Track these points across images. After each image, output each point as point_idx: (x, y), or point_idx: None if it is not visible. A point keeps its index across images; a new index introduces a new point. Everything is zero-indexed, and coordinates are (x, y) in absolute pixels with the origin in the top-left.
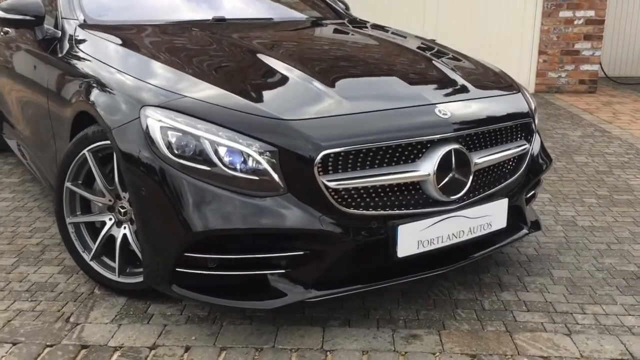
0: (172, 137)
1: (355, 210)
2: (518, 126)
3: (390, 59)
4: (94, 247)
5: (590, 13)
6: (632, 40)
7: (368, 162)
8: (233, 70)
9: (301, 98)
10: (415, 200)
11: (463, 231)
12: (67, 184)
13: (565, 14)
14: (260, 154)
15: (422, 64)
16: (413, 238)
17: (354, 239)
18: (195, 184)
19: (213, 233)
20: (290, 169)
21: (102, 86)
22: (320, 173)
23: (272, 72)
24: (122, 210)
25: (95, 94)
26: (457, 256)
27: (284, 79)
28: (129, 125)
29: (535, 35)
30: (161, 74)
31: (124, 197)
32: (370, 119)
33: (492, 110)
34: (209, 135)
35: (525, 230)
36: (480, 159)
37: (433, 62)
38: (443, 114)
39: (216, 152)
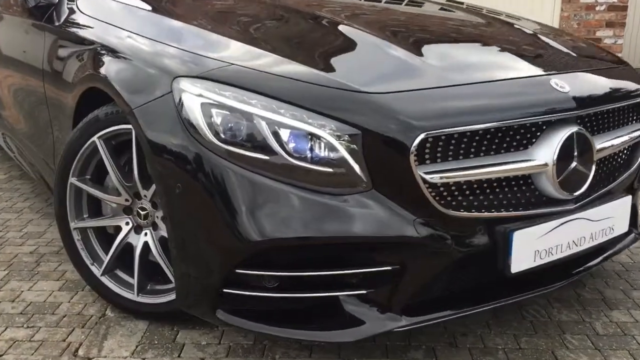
0: (217, 117)
1: (458, 212)
2: (635, 105)
3: (480, 29)
4: (107, 258)
5: None
6: None
7: (472, 149)
8: (294, 35)
9: (385, 67)
10: (526, 199)
11: (584, 237)
12: (72, 180)
13: None
14: (337, 137)
15: (517, 33)
16: (529, 248)
17: (457, 250)
18: (249, 179)
19: (275, 243)
20: (376, 158)
21: (117, 54)
22: (417, 163)
23: (344, 37)
24: (143, 213)
25: (108, 65)
26: (568, 267)
27: (360, 45)
28: (157, 103)
29: (554, 22)
30: (198, 37)
31: (145, 196)
32: (474, 92)
33: (611, 86)
34: (266, 114)
35: (635, 234)
36: (603, 144)
37: (526, 31)
38: (561, 88)
39: (276, 136)
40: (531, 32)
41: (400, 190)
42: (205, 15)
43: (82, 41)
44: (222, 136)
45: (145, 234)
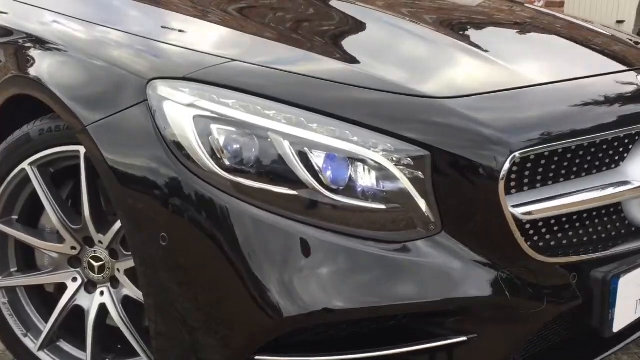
0: (219, 136)
1: (552, 258)
2: None
3: (538, 21)
4: (46, 327)
5: None
6: None
7: (563, 172)
8: (315, 22)
9: (444, 64)
10: (616, 232)
11: None
12: None
13: None
14: (396, 161)
15: (579, 28)
16: (633, 297)
17: (550, 309)
18: (266, 223)
19: (313, 321)
20: (449, 189)
21: (56, 48)
22: (505, 192)
23: (384, 27)
24: (97, 265)
25: (43, 63)
26: None
27: (406, 37)
28: (124, 117)
29: None
30: (177, 22)
31: (101, 243)
32: (561, 94)
33: None
34: (291, 129)
35: None
36: None
37: (589, 26)
38: None
39: (306, 161)
40: (587, 25)
41: (481, 231)
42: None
43: None
44: (227, 163)
45: (102, 293)
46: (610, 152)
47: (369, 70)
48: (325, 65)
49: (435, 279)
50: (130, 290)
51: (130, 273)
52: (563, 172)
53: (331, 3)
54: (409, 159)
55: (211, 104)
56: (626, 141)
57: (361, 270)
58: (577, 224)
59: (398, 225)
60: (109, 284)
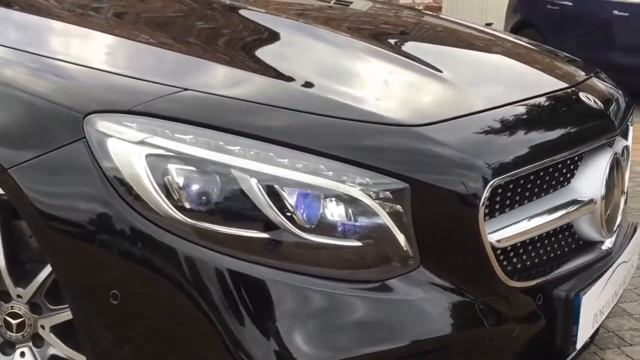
0: (178, 177)
1: (522, 282)
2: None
3: (469, 36)
4: None
5: None
6: None
7: (526, 195)
8: (258, 43)
9: (405, 88)
10: (569, 248)
11: (622, 284)
12: None
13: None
14: (374, 195)
15: (501, 40)
16: (591, 312)
17: (523, 332)
18: (234, 271)
19: None
20: (427, 221)
21: None
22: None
23: (336, 47)
24: (15, 322)
25: None
26: None
27: (357, 57)
28: (56, 158)
29: None
30: (107, 47)
31: (20, 297)
32: (521, 114)
33: (622, 99)
34: (259, 166)
35: None
36: (627, 169)
37: (508, 37)
38: (595, 103)
39: (276, 199)
40: (512, 38)
41: (458, 260)
42: (105, 12)
43: None
44: (187, 206)
45: (22, 354)
46: (564, 171)
47: (333, 96)
48: (286, 92)
49: (416, 319)
50: (59, 349)
51: (57, 330)
52: (527, 194)
53: (261, 20)
54: (387, 192)
55: (166, 140)
56: (575, 158)
57: (338, 316)
58: (538, 245)
59: (376, 262)
60: (30, 343)
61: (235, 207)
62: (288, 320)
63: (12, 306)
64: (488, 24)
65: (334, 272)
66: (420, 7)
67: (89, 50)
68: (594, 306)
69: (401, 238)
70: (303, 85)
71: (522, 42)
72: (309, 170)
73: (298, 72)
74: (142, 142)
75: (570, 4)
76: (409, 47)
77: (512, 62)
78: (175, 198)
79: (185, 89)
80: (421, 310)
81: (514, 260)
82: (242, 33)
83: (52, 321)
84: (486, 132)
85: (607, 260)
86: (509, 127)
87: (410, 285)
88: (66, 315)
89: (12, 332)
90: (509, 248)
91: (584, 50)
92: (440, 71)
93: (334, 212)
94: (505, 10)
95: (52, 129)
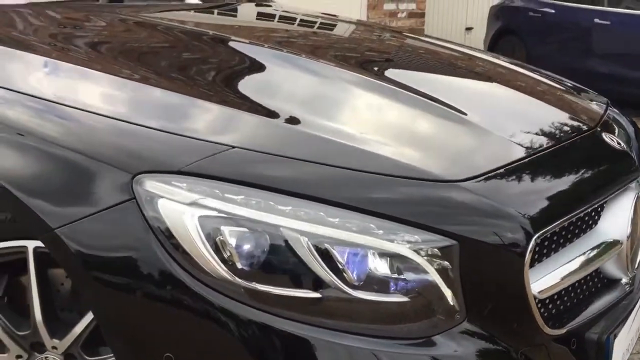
0: (230, 238)
1: (559, 330)
2: None
3: (481, 71)
4: None
5: (412, 6)
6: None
7: (561, 240)
8: (302, 95)
9: (438, 137)
10: (596, 288)
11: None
12: None
13: (389, 6)
14: (424, 253)
15: (517, 73)
16: (621, 350)
17: None
18: (287, 332)
19: None
20: (474, 275)
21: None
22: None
23: (355, 90)
24: None
25: None
26: None
27: (387, 104)
28: (105, 218)
29: None
30: (146, 96)
31: (55, 349)
32: (553, 162)
33: (633, 132)
34: (309, 227)
35: None
36: None
37: (526, 71)
38: (617, 144)
39: (327, 259)
40: (518, 68)
41: (501, 312)
42: (147, 65)
43: None
44: (239, 266)
45: None
46: (592, 214)
47: (377, 151)
48: (332, 149)
49: None
50: None
51: None
52: (560, 241)
53: (297, 68)
54: (436, 250)
55: (217, 201)
56: (603, 201)
57: None
58: (569, 289)
59: (424, 317)
60: None
61: (286, 266)
62: None
63: (46, 357)
64: (468, 29)
65: (381, 329)
66: (404, 14)
67: (136, 108)
68: (623, 345)
69: (448, 293)
70: (350, 141)
71: (529, 71)
72: (359, 229)
73: (343, 127)
74: (193, 204)
75: (552, 11)
76: (424, 84)
77: (530, 99)
78: (228, 259)
79: (233, 147)
80: None
81: (551, 307)
82: (278, 81)
83: None
84: (525, 184)
85: (631, 297)
86: (545, 176)
87: (458, 340)
88: None
89: None
90: (555, 295)
91: (565, 58)
92: (465, 113)
93: (383, 269)
94: (487, 17)
95: (101, 189)
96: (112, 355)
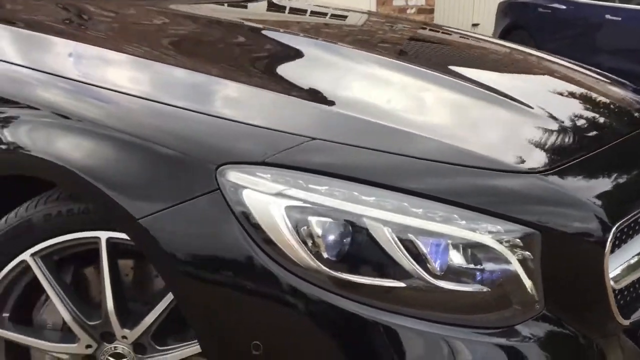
0: (317, 228)
1: (628, 318)
2: None
3: (531, 65)
4: None
5: (421, 1)
6: None
7: (630, 232)
8: (379, 91)
9: (512, 129)
10: None
11: None
12: None
13: (398, 2)
14: (506, 244)
15: (561, 66)
16: None
17: None
18: (373, 321)
19: None
20: (554, 265)
21: (78, 124)
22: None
23: (427, 87)
24: None
25: (64, 143)
26: None
27: (463, 99)
28: (189, 209)
29: None
30: (229, 95)
31: (125, 338)
32: (624, 152)
33: None
34: (392, 216)
35: None
36: None
37: (569, 64)
38: None
39: (409, 247)
40: (561, 61)
41: (581, 303)
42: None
43: None
44: (325, 255)
45: None
46: None
47: (456, 143)
48: (412, 141)
49: None
50: None
51: None
52: (630, 232)
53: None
54: (517, 240)
55: (302, 192)
56: None
57: None
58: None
59: (504, 307)
60: None
61: (369, 256)
62: None
63: (115, 347)
64: (475, 25)
65: (461, 318)
66: (413, 10)
67: (217, 101)
68: None
69: (528, 283)
70: (428, 134)
71: (577, 66)
72: (442, 219)
73: (418, 120)
74: (279, 194)
75: (563, 7)
76: (486, 79)
77: (591, 93)
78: (314, 248)
79: (314, 139)
80: (546, 354)
81: (624, 297)
82: (350, 76)
83: None
84: (601, 175)
85: None
86: (619, 167)
87: (536, 330)
88: (174, 356)
89: None
90: (622, 287)
91: (576, 54)
92: (531, 107)
93: (465, 259)
94: (494, 13)
95: (185, 180)
96: (181, 345)
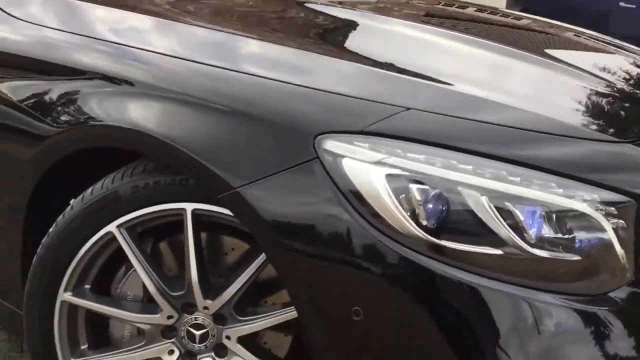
0: (417, 195)
1: None
2: None
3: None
4: None
5: None
6: None
7: None
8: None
9: (595, 99)
10: None
11: None
12: (66, 296)
13: None
14: (602, 212)
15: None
16: None
17: None
18: (470, 286)
19: None
20: None
21: (167, 94)
22: None
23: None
24: (198, 333)
25: (157, 113)
26: None
27: (537, 71)
28: (288, 178)
29: None
30: (332, 71)
31: (206, 309)
32: None
33: None
34: (491, 184)
35: None
36: None
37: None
38: None
39: (506, 216)
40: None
41: None
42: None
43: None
44: (424, 223)
45: None
46: None
47: (550, 113)
48: (506, 111)
49: (636, 331)
50: (247, 359)
51: (243, 340)
52: None
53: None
54: (613, 208)
55: (402, 160)
56: None
57: (561, 330)
58: None
59: (596, 275)
60: (212, 354)
61: (466, 223)
62: (519, 334)
63: (195, 317)
64: None
65: (554, 286)
66: None
67: (313, 73)
68: None
69: (621, 252)
70: (522, 105)
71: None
72: (540, 187)
73: (511, 93)
74: (379, 163)
75: None
76: (570, 58)
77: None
78: (415, 216)
79: (408, 108)
80: (635, 322)
81: None
82: (440, 52)
83: (240, 332)
84: None
85: None
86: None
87: (627, 298)
88: (255, 326)
89: (195, 343)
90: None
91: None
92: (613, 82)
93: (560, 227)
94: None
95: (283, 149)
96: (263, 315)
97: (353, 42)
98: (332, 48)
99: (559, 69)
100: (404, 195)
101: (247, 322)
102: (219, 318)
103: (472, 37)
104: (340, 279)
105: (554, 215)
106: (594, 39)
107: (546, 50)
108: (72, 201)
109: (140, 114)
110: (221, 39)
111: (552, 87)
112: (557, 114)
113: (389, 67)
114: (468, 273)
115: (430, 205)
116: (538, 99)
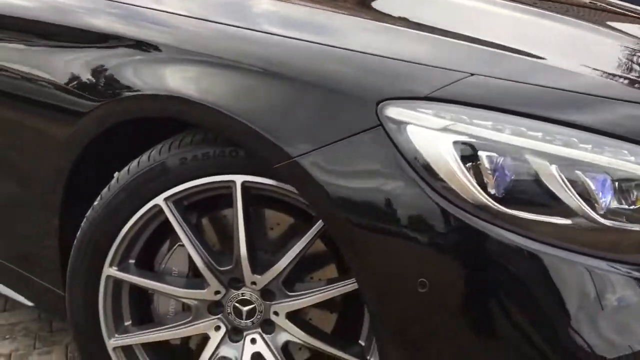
0: (486, 163)
1: None
2: None
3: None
4: None
5: None
6: None
7: None
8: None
9: None
10: None
11: None
12: (111, 271)
13: None
14: None
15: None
16: None
17: None
18: (540, 257)
19: None
20: None
21: (222, 62)
22: None
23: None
24: (245, 309)
25: (221, 85)
26: None
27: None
28: (349, 146)
29: None
30: (384, 35)
31: (254, 284)
32: None
33: None
34: (561, 151)
35: None
36: None
37: None
38: None
39: (577, 185)
40: None
41: None
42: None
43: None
44: (492, 192)
45: (252, 340)
46: None
47: (625, 81)
48: (573, 77)
49: None
50: (295, 335)
51: (291, 316)
52: None
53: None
54: None
55: (469, 127)
56: None
57: (632, 300)
58: None
59: None
60: (259, 330)
61: (536, 193)
62: (587, 304)
63: (242, 293)
64: None
65: (621, 257)
66: None
67: (375, 40)
68: None
69: None
70: (594, 72)
71: None
72: (611, 154)
73: (578, 62)
74: (445, 129)
75: None
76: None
77: None
78: (483, 184)
79: (472, 74)
80: None
81: None
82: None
83: (289, 307)
84: None
85: None
86: None
87: None
88: (305, 301)
89: (242, 319)
90: None
91: None
92: None
93: (632, 196)
94: None
95: (344, 116)
96: (313, 290)
97: (413, 11)
98: (408, 21)
99: (620, 38)
100: (472, 162)
101: (298, 298)
102: (267, 294)
103: (548, 12)
104: (405, 250)
105: (625, 184)
106: None
107: (611, 23)
108: (116, 174)
109: (197, 84)
110: (300, 12)
111: (619, 56)
112: (626, 81)
113: (448, 34)
114: (535, 242)
115: (499, 173)
116: (605, 66)
